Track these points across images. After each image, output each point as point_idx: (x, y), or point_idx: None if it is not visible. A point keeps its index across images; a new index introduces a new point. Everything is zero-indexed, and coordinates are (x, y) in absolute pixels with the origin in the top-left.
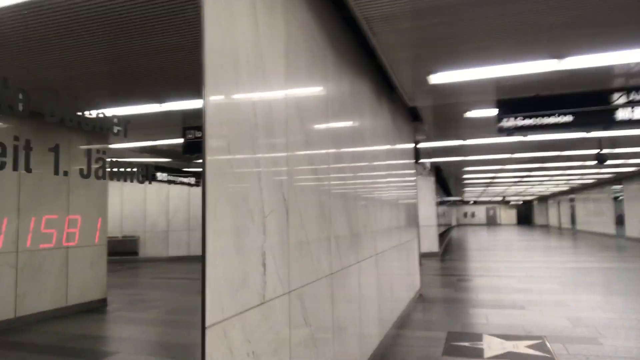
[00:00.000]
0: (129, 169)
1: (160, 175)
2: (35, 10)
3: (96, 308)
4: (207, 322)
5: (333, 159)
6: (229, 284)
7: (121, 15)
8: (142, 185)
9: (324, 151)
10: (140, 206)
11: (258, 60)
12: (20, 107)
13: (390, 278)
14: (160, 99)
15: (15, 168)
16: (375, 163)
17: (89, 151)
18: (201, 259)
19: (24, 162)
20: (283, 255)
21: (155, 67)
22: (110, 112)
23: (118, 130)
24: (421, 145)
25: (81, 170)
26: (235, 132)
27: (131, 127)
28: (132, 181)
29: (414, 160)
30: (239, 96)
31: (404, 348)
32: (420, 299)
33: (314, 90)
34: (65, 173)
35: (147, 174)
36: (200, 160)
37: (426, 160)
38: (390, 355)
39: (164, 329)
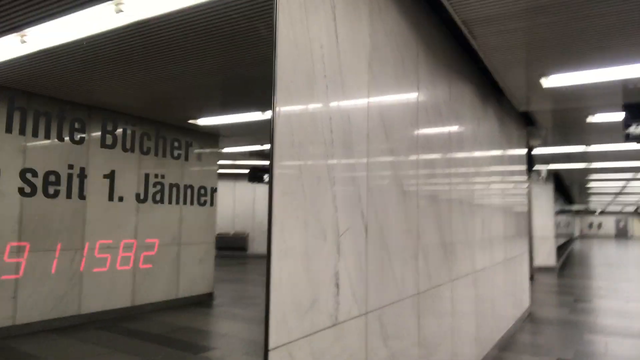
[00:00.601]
0: (239, 171)
1: (267, 177)
2: (151, 27)
3: (203, 301)
4: (271, 345)
5: (423, 169)
6: (296, 306)
7: (230, 27)
8: (252, 185)
9: (412, 159)
10: (249, 205)
11: (336, 72)
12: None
13: (492, 294)
14: (262, 108)
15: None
16: (477, 171)
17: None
18: (265, 281)
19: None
20: (360, 275)
21: (259, 77)
22: (219, 119)
23: (225, 136)
24: (537, 151)
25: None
26: (308, 149)
27: (240, 132)
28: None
29: (527, 167)
30: (312, 110)
31: None
32: (529, 318)
33: (402, 97)
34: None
35: (255, 176)
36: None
37: (542, 167)
38: None
39: (262, 329)
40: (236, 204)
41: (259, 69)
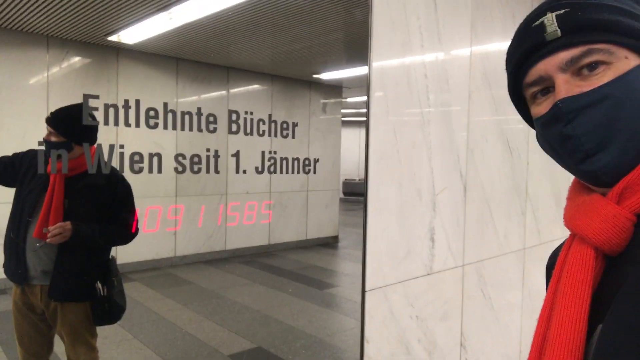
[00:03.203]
0: (364, 119)
1: None
2: None
3: (329, 243)
4: (367, 287)
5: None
6: (391, 256)
7: None
8: None
9: (519, 116)
10: None
11: (434, 35)
12: None
13: None
14: None
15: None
16: None
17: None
18: (362, 233)
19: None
20: (457, 230)
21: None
22: (341, 73)
23: (348, 87)
24: None
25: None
26: (403, 115)
27: (362, 83)
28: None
29: None
30: (408, 79)
31: None
32: None
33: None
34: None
35: None
36: None
37: None
38: None
39: None
40: (361, 150)
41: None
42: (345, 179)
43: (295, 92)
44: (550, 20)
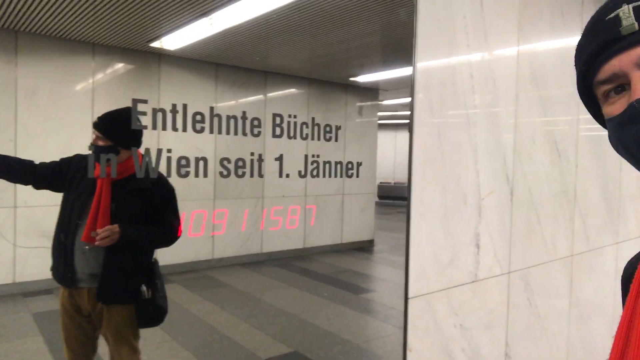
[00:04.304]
0: (400, 122)
1: None
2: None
3: (364, 247)
4: (410, 294)
5: (585, 122)
6: (434, 262)
7: None
8: None
9: (568, 118)
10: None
11: (480, 37)
12: None
13: None
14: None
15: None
16: None
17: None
18: (405, 238)
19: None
20: (503, 236)
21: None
22: (378, 75)
23: (385, 90)
24: None
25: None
26: (448, 117)
27: (398, 86)
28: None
29: None
30: (453, 79)
31: None
32: None
33: (560, 50)
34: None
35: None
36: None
37: None
38: None
39: None
40: (397, 154)
41: (411, 27)
42: (381, 182)
43: (332, 95)
44: (626, 13)
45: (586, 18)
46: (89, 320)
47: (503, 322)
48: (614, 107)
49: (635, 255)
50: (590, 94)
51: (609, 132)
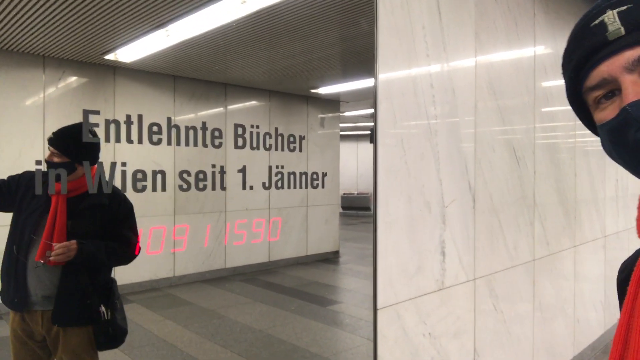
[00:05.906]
0: (361, 132)
1: None
2: (273, 13)
3: (330, 259)
4: (379, 305)
5: (540, 132)
6: (402, 272)
7: (342, 3)
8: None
9: (524, 126)
10: (371, 165)
11: (439, 48)
12: None
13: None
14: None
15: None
16: None
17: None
18: (372, 249)
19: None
20: (467, 243)
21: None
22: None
23: (346, 101)
24: None
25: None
26: (410, 127)
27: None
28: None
29: None
30: (415, 89)
31: None
32: None
33: (514, 61)
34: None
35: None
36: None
37: None
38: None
39: None
40: (359, 165)
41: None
42: (344, 193)
43: (293, 107)
44: (611, 19)
45: (538, 28)
46: (43, 346)
47: (470, 328)
48: (605, 113)
49: (629, 257)
50: (580, 102)
51: (601, 138)
